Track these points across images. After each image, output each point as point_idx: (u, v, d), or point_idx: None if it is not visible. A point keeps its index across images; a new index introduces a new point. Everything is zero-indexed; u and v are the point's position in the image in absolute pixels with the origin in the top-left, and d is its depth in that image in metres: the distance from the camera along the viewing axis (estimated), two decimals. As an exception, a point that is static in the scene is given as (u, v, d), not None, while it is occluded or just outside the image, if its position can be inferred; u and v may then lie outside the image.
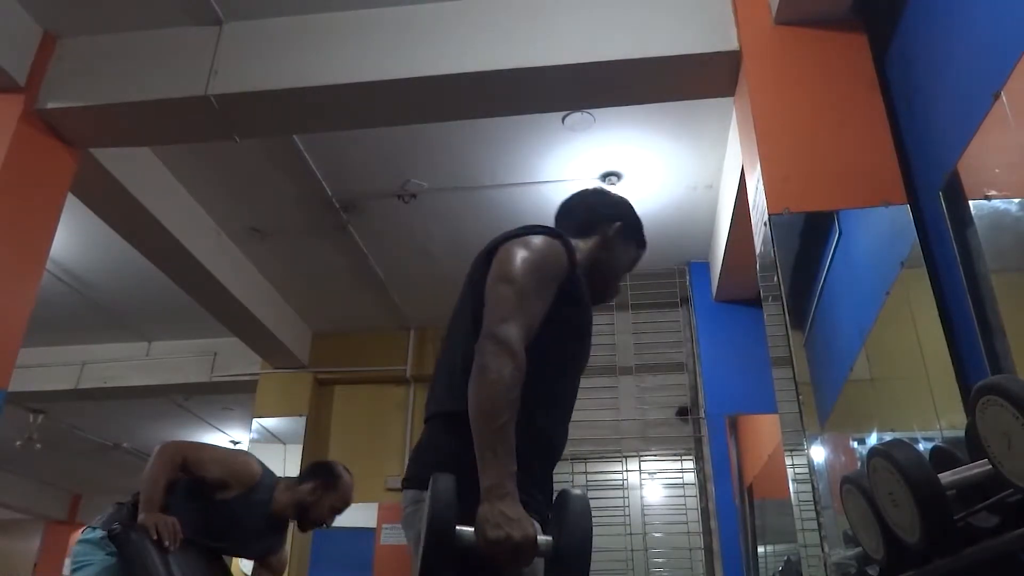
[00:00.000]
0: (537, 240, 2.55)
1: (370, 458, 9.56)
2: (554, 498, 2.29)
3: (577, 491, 2.25)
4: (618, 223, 2.95)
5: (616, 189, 7.02)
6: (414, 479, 2.41)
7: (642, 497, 8.31)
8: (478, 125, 6.48)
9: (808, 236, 4.35)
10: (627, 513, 7.93)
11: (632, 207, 3.07)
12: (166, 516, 4.28)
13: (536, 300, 2.44)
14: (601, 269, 2.89)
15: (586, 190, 3.12)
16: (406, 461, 9.37)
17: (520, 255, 2.49)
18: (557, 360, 2.54)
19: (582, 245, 2.87)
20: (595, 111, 6.24)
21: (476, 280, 2.58)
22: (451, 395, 2.42)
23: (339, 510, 4.80)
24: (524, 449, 2.27)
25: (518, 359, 2.27)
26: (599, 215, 2.98)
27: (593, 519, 2.21)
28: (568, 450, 7.60)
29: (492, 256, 2.56)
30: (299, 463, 9.57)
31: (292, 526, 4.84)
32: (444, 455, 2.34)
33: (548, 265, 2.51)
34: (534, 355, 2.35)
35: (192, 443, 4.64)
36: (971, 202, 3.52)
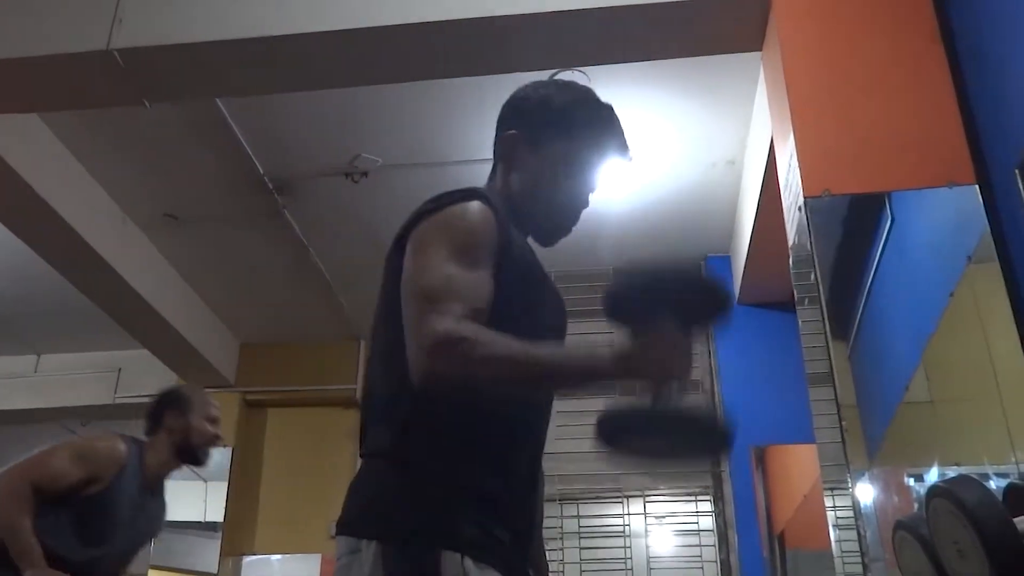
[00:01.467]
0: (452, 211, 2.41)
1: (312, 498, 9.54)
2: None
3: None
4: (509, 132, 2.77)
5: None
6: (350, 524, 2.33)
7: (648, 547, 8.32)
8: (444, 87, 6.44)
9: (853, 224, 4.34)
10: (629, 567, 7.93)
11: (537, 93, 2.83)
12: (57, 572, 4.33)
13: (469, 281, 2.27)
14: (518, 202, 2.70)
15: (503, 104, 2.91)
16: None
17: (436, 236, 2.36)
18: None
19: (496, 186, 2.75)
20: (589, 69, 6.20)
21: (386, 276, 2.50)
22: (385, 429, 2.36)
23: (214, 417, 5.17)
24: (484, 474, 2.27)
25: (465, 337, 2.11)
26: (498, 128, 2.84)
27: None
28: (556, 489, 7.62)
29: (403, 244, 2.45)
30: (223, 504, 9.55)
31: None
32: (389, 503, 2.28)
33: (471, 235, 2.37)
34: None
35: (32, 461, 4.72)
36: (1055, 182, 3.52)
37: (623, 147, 2.78)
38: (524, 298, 2.44)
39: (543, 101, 2.78)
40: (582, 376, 2.15)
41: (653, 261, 2.22)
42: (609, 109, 2.79)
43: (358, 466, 2.46)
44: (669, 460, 2.33)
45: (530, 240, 2.69)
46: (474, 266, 2.30)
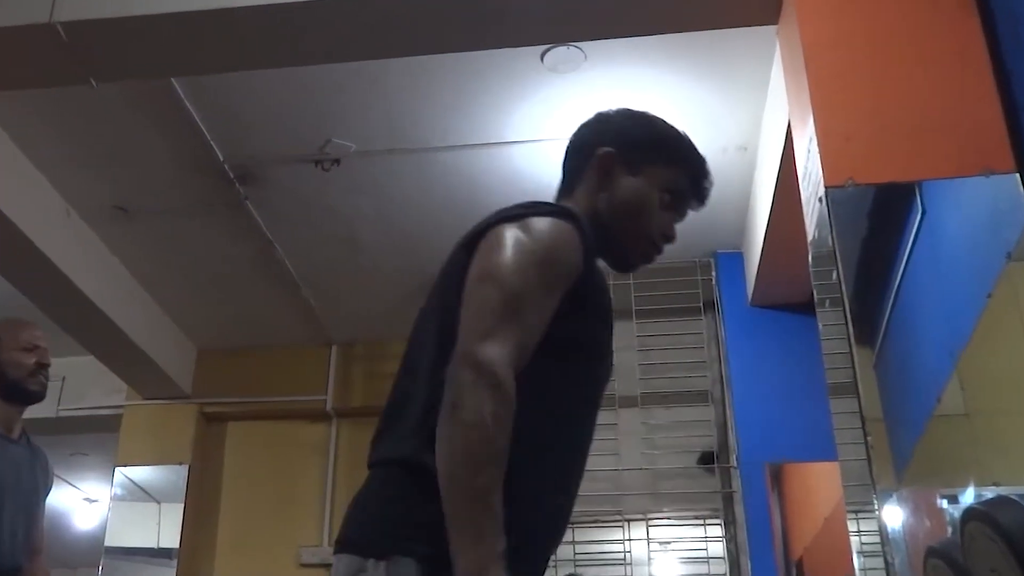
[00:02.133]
0: (541, 224, 2.43)
1: (278, 522, 9.51)
2: None
3: None
4: (604, 149, 2.77)
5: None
6: (354, 542, 2.31)
7: None
8: (425, 65, 6.42)
9: (879, 217, 4.34)
10: (631, 597, 7.93)
11: (634, 116, 2.92)
12: None
13: (535, 308, 2.33)
14: (606, 222, 2.71)
15: (582, 124, 2.96)
16: (327, 524, 9.33)
17: (516, 244, 2.37)
18: (565, 394, 2.45)
19: (578, 204, 2.73)
20: (586, 45, 6.21)
21: (450, 277, 2.48)
22: (411, 436, 2.33)
23: (30, 344, 5.18)
24: (515, 523, 2.19)
25: (504, 391, 2.16)
26: (579, 150, 2.87)
27: None
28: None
29: (475, 244, 2.44)
30: (179, 528, 9.50)
31: None
32: (403, 517, 2.25)
33: (555, 259, 2.39)
34: (530, 387, 2.25)
35: None
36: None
37: (707, 193, 2.86)
38: (592, 339, 2.52)
39: (640, 126, 2.87)
40: (470, 531, 2.09)
41: None
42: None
43: (367, 477, 2.45)
44: None
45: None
46: (547, 290, 2.35)
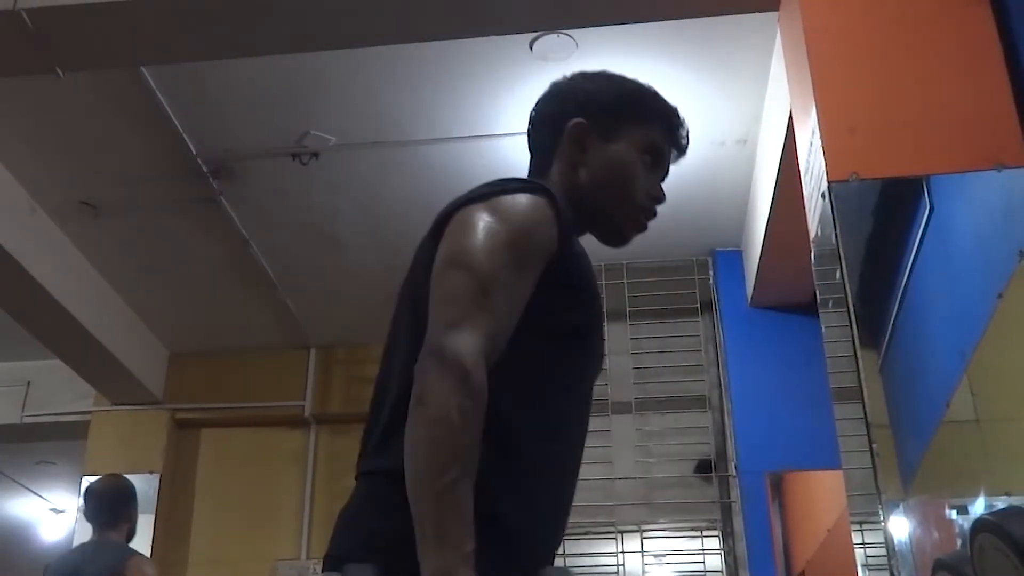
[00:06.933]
0: (511, 200, 2.39)
1: (253, 534, 9.47)
2: None
3: (558, 568, 2.20)
4: (575, 120, 2.76)
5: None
6: (341, 558, 2.26)
7: (645, 590, 8.30)
8: (409, 54, 6.41)
9: (885, 213, 4.34)
10: (624, 613, 7.92)
11: (596, 78, 2.93)
12: None
13: (507, 292, 2.27)
14: (590, 197, 2.70)
15: (542, 97, 2.98)
16: (305, 537, 9.30)
17: (483, 224, 2.32)
18: (553, 383, 2.40)
19: (556, 182, 2.69)
20: (577, 32, 6.20)
21: (419, 267, 2.46)
22: (391, 442, 2.27)
23: None
24: (514, 517, 2.21)
25: (471, 383, 2.09)
26: (547, 125, 2.87)
27: None
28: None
29: (441, 229, 2.41)
30: (150, 539, 9.46)
31: None
32: (386, 528, 2.21)
33: (528, 237, 2.34)
34: (516, 376, 2.24)
35: None
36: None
37: (686, 142, 2.90)
38: (576, 322, 2.45)
39: (605, 89, 2.86)
40: (434, 533, 2.05)
41: None
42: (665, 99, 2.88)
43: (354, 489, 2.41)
44: None
45: (589, 240, 2.68)
46: (520, 271, 2.30)
